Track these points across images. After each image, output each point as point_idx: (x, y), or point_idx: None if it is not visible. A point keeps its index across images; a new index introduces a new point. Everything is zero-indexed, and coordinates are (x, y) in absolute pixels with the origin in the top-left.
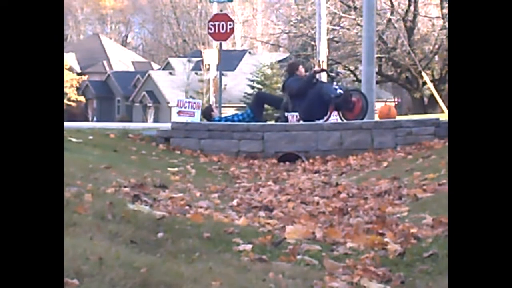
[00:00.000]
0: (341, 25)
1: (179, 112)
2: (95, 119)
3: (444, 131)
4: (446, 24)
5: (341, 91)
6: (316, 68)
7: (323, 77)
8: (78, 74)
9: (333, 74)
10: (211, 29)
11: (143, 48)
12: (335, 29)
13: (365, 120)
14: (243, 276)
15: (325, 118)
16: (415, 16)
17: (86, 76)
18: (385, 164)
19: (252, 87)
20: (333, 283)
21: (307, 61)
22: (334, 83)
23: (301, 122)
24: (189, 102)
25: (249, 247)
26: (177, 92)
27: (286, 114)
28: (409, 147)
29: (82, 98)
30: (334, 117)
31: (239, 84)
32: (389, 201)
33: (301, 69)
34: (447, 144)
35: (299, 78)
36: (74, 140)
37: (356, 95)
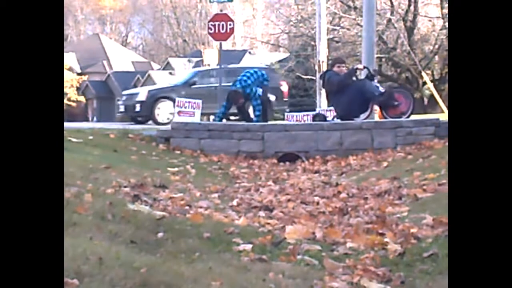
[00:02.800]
0: (341, 25)
1: (179, 112)
2: (95, 119)
3: (444, 131)
4: (446, 24)
5: (383, 89)
6: (359, 65)
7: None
8: (78, 74)
9: (373, 72)
10: (211, 29)
11: (143, 48)
12: (335, 29)
13: (365, 120)
14: (243, 276)
15: (366, 115)
16: (415, 16)
17: (86, 76)
18: (385, 164)
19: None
20: (333, 283)
21: (307, 61)
22: (375, 81)
23: (336, 120)
24: (189, 102)
25: (249, 247)
26: None
27: (319, 110)
28: (409, 147)
29: (82, 98)
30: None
31: None
32: (389, 201)
33: (341, 67)
34: (447, 144)
35: (338, 73)
36: (74, 140)
37: (400, 92)
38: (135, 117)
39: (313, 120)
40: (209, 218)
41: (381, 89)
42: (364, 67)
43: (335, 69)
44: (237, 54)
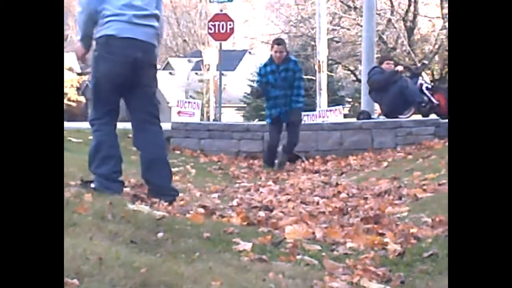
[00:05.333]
0: (341, 25)
1: (179, 112)
2: None
3: (444, 131)
4: (446, 24)
5: (428, 87)
6: (399, 67)
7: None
8: (78, 74)
9: (415, 71)
10: (211, 29)
11: None
12: (335, 29)
13: (365, 120)
14: (243, 276)
15: (410, 113)
16: (415, 16)
17: (86, 76)
18: (385, 164)
19: (252, 87)
20: (333, 283)
21: (307, 61)
22: (420, 79)
23: (382, 117)
24: (189, 102)
25: (249, 247)
26: (177, 92)
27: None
28: (409, 147)
29: (82, 98)
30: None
31: (239, 84)
32: (389, 201)
33: (390, 64)
34: (447, 144)
35: (383, 71)
36: (74, 140)
37: (440, 92)
38: None
39: (358, 118)
40: (209, 218)
41: (423, 96)
42: (405, 68)
43: (384, 66)
44: (237, 54)
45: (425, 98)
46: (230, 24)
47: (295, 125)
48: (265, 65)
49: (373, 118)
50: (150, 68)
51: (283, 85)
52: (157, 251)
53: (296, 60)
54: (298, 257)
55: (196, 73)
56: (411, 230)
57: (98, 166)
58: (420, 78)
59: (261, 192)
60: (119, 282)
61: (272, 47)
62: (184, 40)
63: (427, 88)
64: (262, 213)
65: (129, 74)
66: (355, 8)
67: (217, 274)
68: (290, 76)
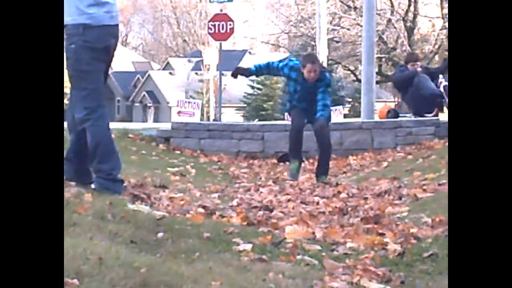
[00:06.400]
0: (341, 25)
1: (179, 112)
2: None
3: (444, 131)
4: (446, 24)
5: (446, 85)
6: (419, 68)
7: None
8: None
9: (433, 70)
10: (211, 29)
11: (143, 48)
12: (335, 29)
13: (365, 120)
14: (243, 276)
15: (435, 111)
16: (415, 16)
17: None
18: (385, 164)
19: (252, 87)
20: (333, 283)
21: None
22: (440, 77)
23: (411, 116)
24: (189, 102)
25: (249, 247)
26: (177, 92)
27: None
28: (409, 147)
29: None
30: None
31: (239, 84)
32: (389, 201)
33: (414, 65)
34: (447, 144)
35: (404, 70)
36: None
37: None
38: None
39: (386, 116)
40: (209, 218)
41: (436, 90)
42: (424, 68)
43: (409, 66)
44: (237, 54)
45: (440, 92)
46: (230, 24)
47: (322, 130)
48: (291, 68)
49: (403, 117)
50: (114, 52)
51: (305, 98)
52: (157, 251)
53: (327, 75)
54: (298, 257)
55: (196, 73)
56: (411, 230)
57: (100, 162)
58: (441, 76)
59: (261, 192)
60: (119, 282)
61: (303, 66)
62: (184, 40)
63: (444, 86)
64: (262, 213)
65: (107, 61)
66: (355, 8)
67: (217, 274)
68: (314, 90)
